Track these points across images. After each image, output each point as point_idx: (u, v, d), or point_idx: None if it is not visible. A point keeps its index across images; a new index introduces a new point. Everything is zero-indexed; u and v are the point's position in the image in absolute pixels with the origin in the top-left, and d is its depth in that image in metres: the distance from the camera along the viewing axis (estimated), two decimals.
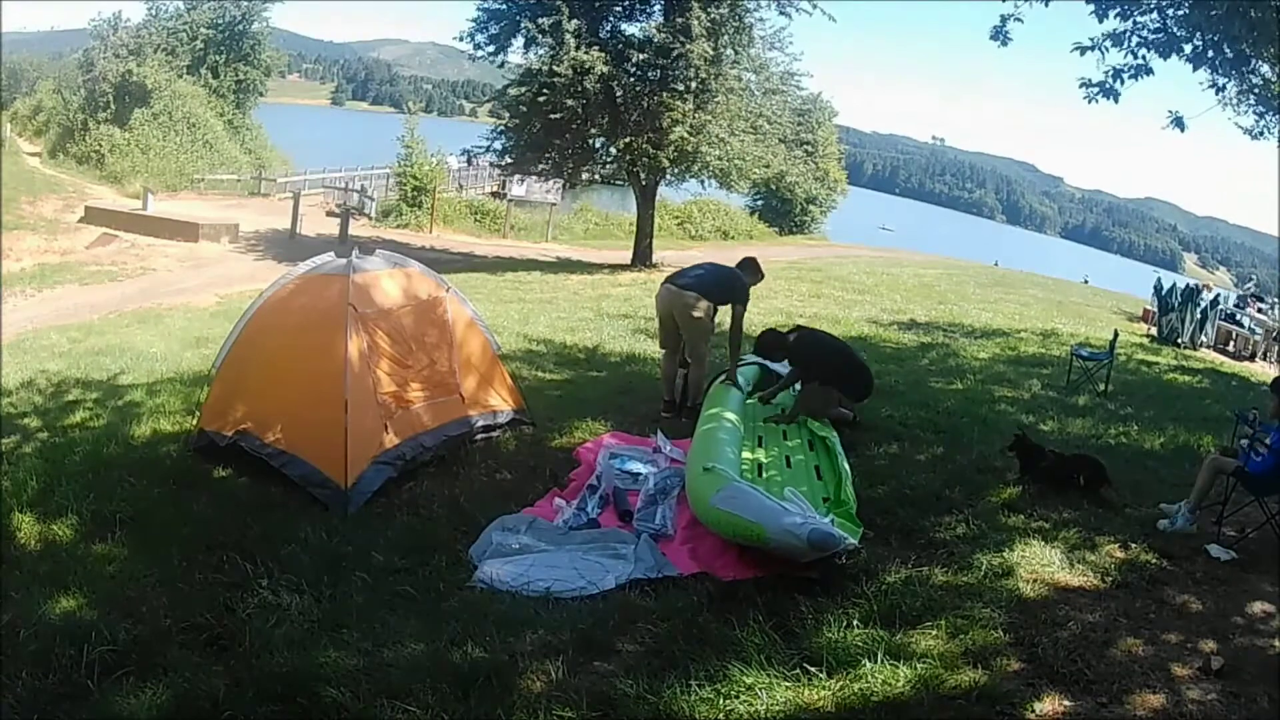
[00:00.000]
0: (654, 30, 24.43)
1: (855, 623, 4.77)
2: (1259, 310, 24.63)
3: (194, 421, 7.33)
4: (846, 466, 6.53)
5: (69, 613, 4.68)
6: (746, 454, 7.01)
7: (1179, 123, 14.37)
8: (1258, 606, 5.43)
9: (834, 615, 4.84)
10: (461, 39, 26.92)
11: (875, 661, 4.37)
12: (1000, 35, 14.14)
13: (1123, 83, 13.63)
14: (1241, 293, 29.25)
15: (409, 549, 5.61)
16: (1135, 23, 13.43)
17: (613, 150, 26.51)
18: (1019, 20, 13.65)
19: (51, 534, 5.70)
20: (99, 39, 47.57)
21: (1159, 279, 23.46)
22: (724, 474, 5.80)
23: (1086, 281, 46.62)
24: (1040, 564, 5.66)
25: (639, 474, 6.98)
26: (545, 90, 24.11)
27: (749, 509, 5.36)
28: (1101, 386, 11.53)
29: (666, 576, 5.48)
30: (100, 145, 42.38)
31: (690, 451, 6.84)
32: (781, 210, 53.63)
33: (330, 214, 33.92)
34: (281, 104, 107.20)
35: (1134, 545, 6.06)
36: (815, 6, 25.59)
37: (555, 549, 5.85)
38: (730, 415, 7.38)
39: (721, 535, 5.60)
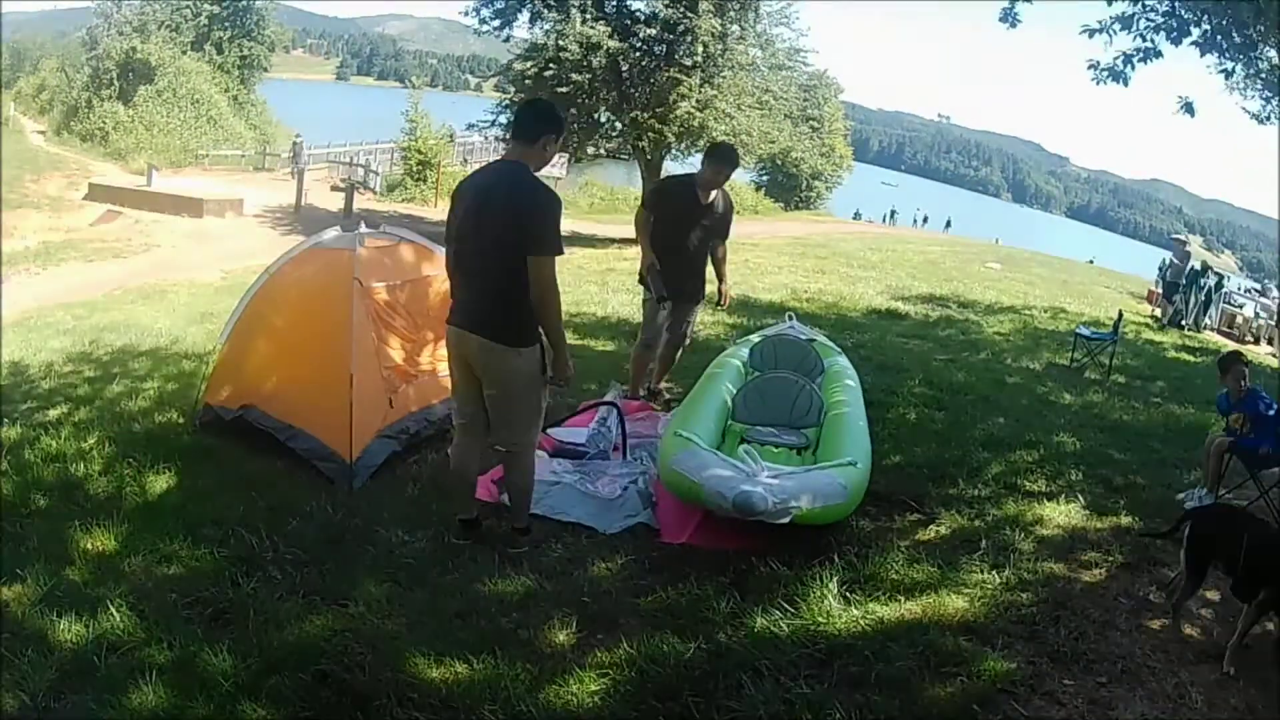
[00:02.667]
0: (661, 5, 24.34)
1: (841, 595, 4.80)
2: (1262, 295, 24.75)
3: (199, 396, 7.34)
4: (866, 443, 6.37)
5: (73, 588, 4.70)
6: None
7: (1189, 108, 14.37)
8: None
9: (821, 589, 4.84)
10: (467, 14, 26.85)
11: (870, 639, 4.39)
12: (1009, 17, 14.15)
13: (1133, 67, 13.63)
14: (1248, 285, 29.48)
15: (414, 523, 5.62)
16: (1144, 5, 13.40)
17: (618, 125, 26.45)
18: (1027, 0, 13.67)
19: (54, 510, 5.72)
20: (103, 16, 47.60)
21: (1164, 259, 23.42)
22: (689, 440, 5.80)
23: (1092, 262, 46.57)
24: (1042, 544, 5.68)
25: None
26: (551, 65, 24.04)
27: (692, 468, 5.42)
28: (1106, 363, 11.53)
29: (669, 549, 5.53)
30: (104, 122, 42.42)
31: (677, 410, 6.93)
32: (787, 185, 53.57)
33: (335, 189, 33.91)
34: (286, 79, 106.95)
35: (1137, 526, 6.07)
36: None
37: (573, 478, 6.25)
38: (728, 384, 7.43)
39: (677, 496, 5.67)
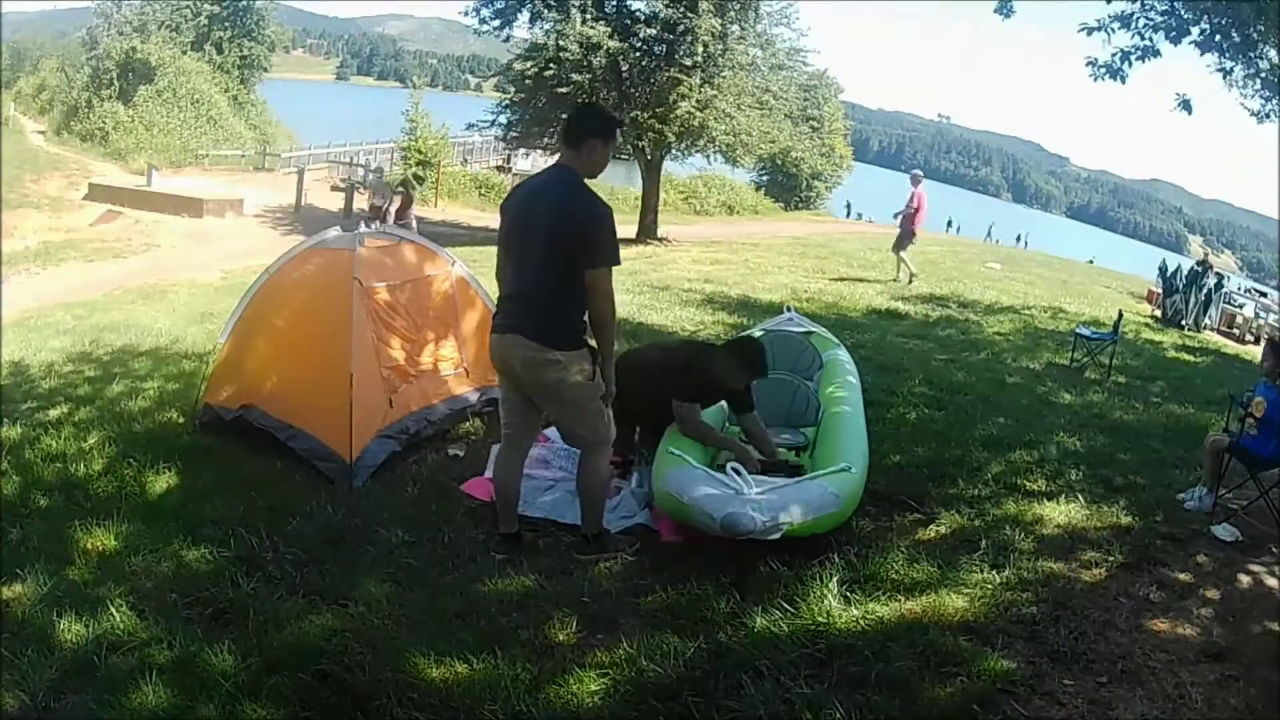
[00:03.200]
0: (661, 5, 24.35)
1: (841, 594, 4.80)
2: (1261, 295, 24.79)
3: (199, 396, 7.34)
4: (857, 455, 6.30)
5: (73, 588, 4.70)
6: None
7: (1186, 106, 14.41)
8: (1259, 588, 5.44)
9: (821, 589, 4.84)
10: (467, 14, 26.89)
11: (870, 639, 4.39)
12: (1004, 9, 14.23)
13: (1130, 65, 13.68)
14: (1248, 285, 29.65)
15: (413, 522, 5.63)
16: (1143, 4, 13.46)
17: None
18: None
19: (55, 509, 5.72)
20: (103, 16, 47.63)
21: (1164, 260, 23.43)
22: (680, 458, 5.77)
23: (1092, 262, 46.58)
24: (1042, 543, 5.67)
25: None
26: (551, 65, 24.06)
27: (681, 488, 5.39)
28: (1106, 362, 11.53)
29: (669, 549, 5.53)
30: (104, 122, 42.45)
31: (667, 431, 6.73)
32: (787, 185, 53.64)
33: (335, 189, 33.94)
34: (286, 79, 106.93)
35: (1137, 525, 6.07)
36: None
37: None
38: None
39: (669, 516, 5.66)
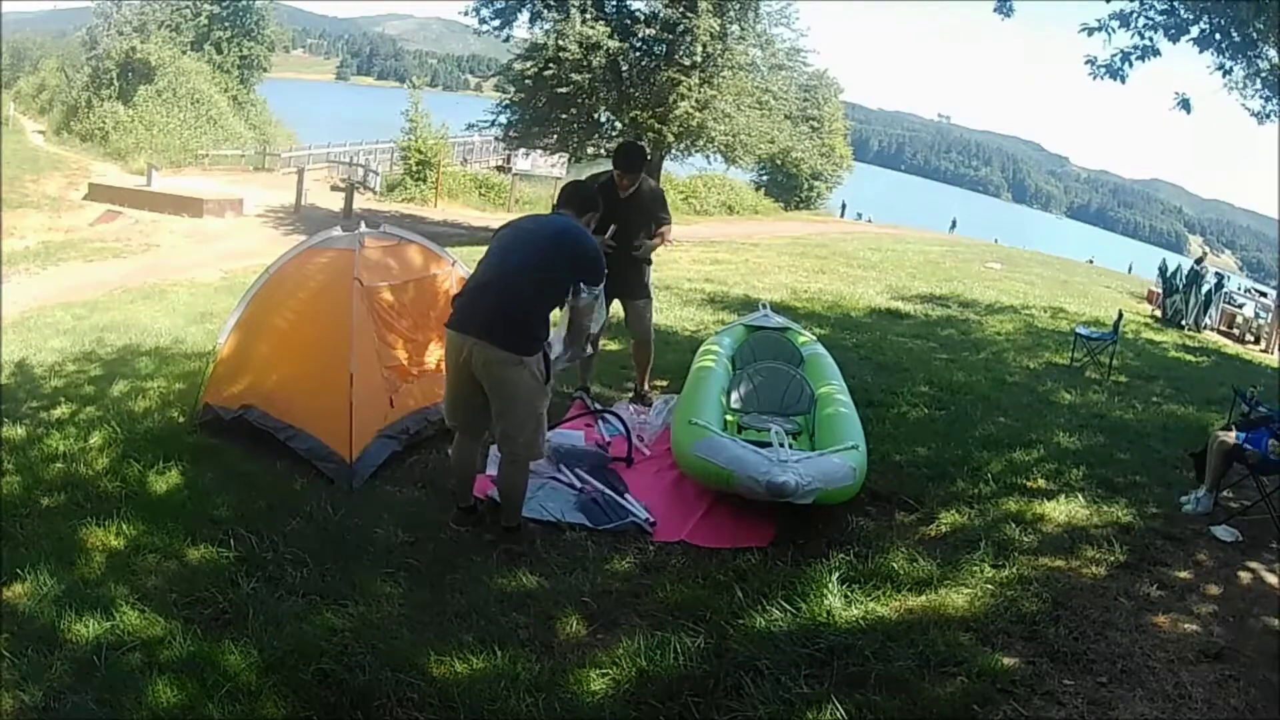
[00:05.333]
0: (660, 5, 24.37)
1: (842, 593, 4.80)
2: (1261, 295, 24.80)
3: (199, 396, 7.33)
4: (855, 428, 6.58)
5: (75, 588, 4.69)
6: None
7: (1185, 105, 14.40)
8: (1258, 587, 5.44)
9: (821, 588, 4.84)
10: (467, 13, 26.93)
11: (870, 638, 4.39)
12: (1003, 8, 14.25)
13: (1130, 65, 13.69)
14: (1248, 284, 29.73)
15: (413, 523, 5.62)
16: (1143, 2, 13.46)
17: (618, 125, 26.51)
18: None
19: (58, 509, 5.72)
20: (103, 16, 47.66)
21: (1164, 260, 23.46)
22: (707, 428, 6.12)
23: (1091, 261, 46.62)
24: (1042, 542, 5.67)
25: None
26: (551, 65, 24.08)
27: (718, 454, 5.80)
28: (1106, 362, 11.54)
29: (669, 549, 5.53)
30: (104, 122, 42.49)
31: (679, 400, 7.17)
32: (787, 185, 53.69)
33: (335, 188, 33.95)
34: (286, 79, 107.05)
35: (1137, 525, 6.07)
36: None
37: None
38: (722, 363, 7.80)
39: (695, 479, 6.06)
